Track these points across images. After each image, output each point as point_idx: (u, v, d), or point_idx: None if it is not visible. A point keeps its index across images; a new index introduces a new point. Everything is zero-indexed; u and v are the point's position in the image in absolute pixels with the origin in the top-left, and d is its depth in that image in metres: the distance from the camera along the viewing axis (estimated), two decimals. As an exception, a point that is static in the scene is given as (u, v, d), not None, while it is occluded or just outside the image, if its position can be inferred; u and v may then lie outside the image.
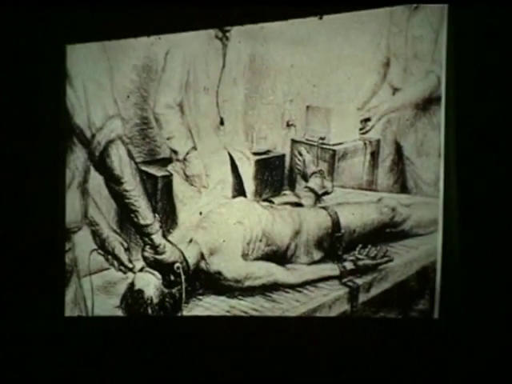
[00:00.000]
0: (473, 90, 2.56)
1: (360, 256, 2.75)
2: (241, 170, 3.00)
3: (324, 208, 2.88)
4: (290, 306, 2.79)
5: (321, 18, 2.81)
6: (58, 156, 3.14)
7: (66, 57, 3.14)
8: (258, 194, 2.99)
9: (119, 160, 2.92)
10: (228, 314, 2.86)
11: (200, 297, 2.92)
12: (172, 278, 2.90)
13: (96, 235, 3.11)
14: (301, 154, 2.95)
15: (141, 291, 2.92)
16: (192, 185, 3.05)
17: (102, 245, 3.10)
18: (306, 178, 2.95)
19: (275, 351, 2.78)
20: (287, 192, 2.98)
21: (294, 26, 2.85)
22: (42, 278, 3.13)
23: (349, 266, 2.76)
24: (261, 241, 2.87)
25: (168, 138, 3.07)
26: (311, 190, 2.92)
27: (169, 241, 2.96)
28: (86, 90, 3.07)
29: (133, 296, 2.95)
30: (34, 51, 3.19)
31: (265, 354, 2.79)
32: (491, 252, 2.51)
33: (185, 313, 2.91)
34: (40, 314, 3.12)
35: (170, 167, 3.08)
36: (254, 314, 2.82)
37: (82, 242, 3.12)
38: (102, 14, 3.09)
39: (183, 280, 2.89)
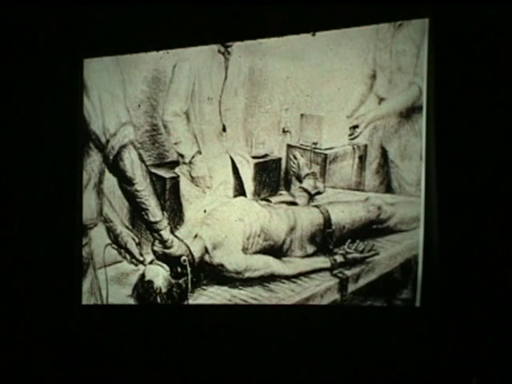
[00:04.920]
0: (451, 99, 2.69)
1: (349, 250, 2.85)
2: (241, 172, 3.09)
3: (316, 206, 2.96)
4: (285, 295, 2.90)
5: (313, 35, 2.93)
6: (76, 159, 3.25)
7: (83, 70, 3.25)
8: (256, 193, 3.07)
9: (131, 163, 3.07)
10: (230, 302, 2.97)
11: (204, 287, 3.03)
12: (179, 269, 3.02)
13: (110, 231, 3.21)
14: (295, 158, 3.02)
15: (151, 282, 3.05)
16: (197, 185, 3.14)
17: (115, 240, 3.20)
18: (300, 179, 3.02)
19: (272, 336, 2.90)
20: (283, 192, 3.06)
21: (290, 42, 2.96)
22: (61, 269, 3.24)
23: (339, 259, 2.86)
24: (259, 236, 2.98)
25: (175, 143, 3.17)
26: (305, 190, 3.01)
27: (176, 236, 3.09)
28: (101, 99, 3.20)
29: (143, 286, 3.08)
30: (54, 65, 3.29)
31: (262, 339, 2.91)
32: (468, 246, 2.64)
33: (190, 301, 3.03)
34: (60, 302, 3.22)
35: (177, 169, 3.18)
36: (253, 302, 2.94)
37: (98, 237, 3.23)
38: (115, 31, 3.21)
39: (189, 272, 3.01)
